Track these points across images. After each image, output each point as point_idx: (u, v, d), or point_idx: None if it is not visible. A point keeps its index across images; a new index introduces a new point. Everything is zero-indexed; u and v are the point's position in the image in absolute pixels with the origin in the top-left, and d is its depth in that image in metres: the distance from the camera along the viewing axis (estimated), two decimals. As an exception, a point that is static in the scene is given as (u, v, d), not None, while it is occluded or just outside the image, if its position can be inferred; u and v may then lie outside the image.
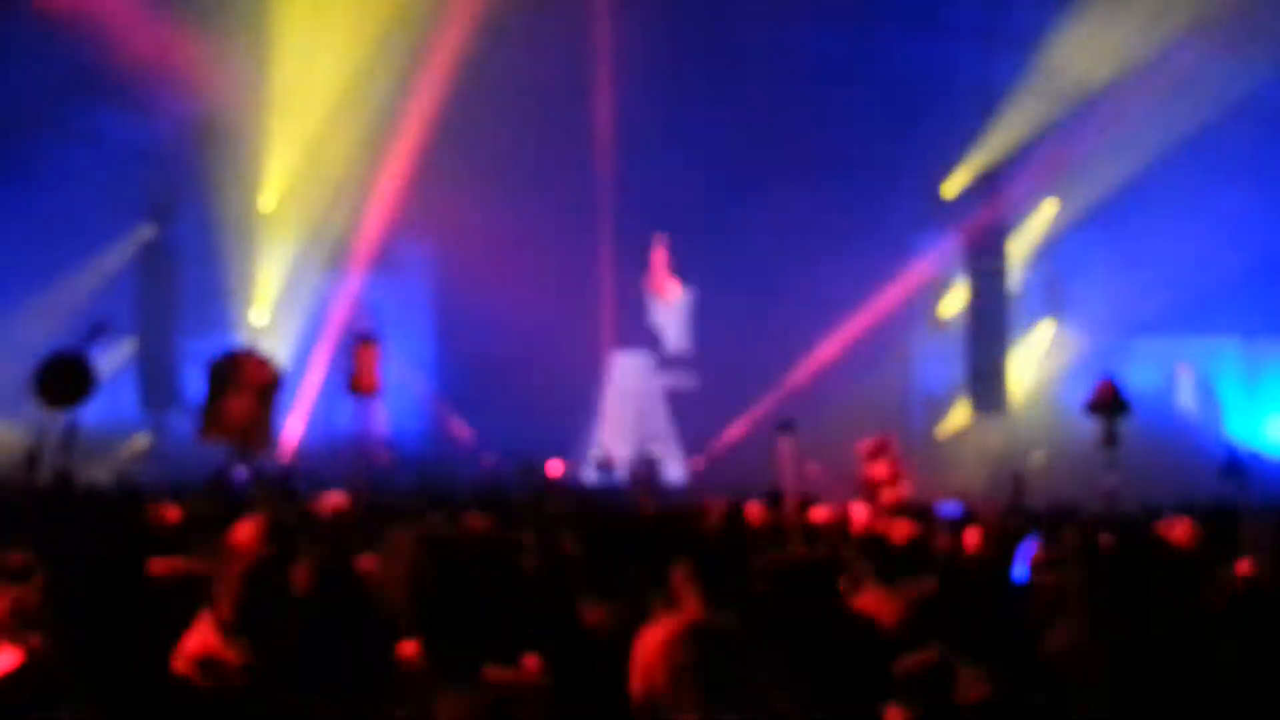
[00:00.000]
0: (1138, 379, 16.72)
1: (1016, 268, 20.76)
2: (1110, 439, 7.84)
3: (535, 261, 20.04)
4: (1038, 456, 18.18)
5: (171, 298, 21.34)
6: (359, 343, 10.40)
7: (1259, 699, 2.92)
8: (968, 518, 9.01)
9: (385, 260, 22.19)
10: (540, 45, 18.29)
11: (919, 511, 8.93)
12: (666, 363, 22.78)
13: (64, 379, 7.33)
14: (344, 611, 3.74)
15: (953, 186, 20.48)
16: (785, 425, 17.77)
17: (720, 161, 20.03)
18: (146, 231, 21.22)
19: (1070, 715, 3.13)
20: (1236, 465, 9.14)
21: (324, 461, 15.40)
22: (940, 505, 10.01)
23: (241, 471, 11.34)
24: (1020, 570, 4.88)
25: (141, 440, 20.20)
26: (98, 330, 7.38)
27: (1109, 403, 8.54)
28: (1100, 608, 3.50)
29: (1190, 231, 17.78)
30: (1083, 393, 19.65)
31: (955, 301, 21.14)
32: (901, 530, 5.53)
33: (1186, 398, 19.98)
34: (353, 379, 10.08)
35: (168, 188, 20.93)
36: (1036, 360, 20.75)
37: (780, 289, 20.55)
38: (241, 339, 19.72)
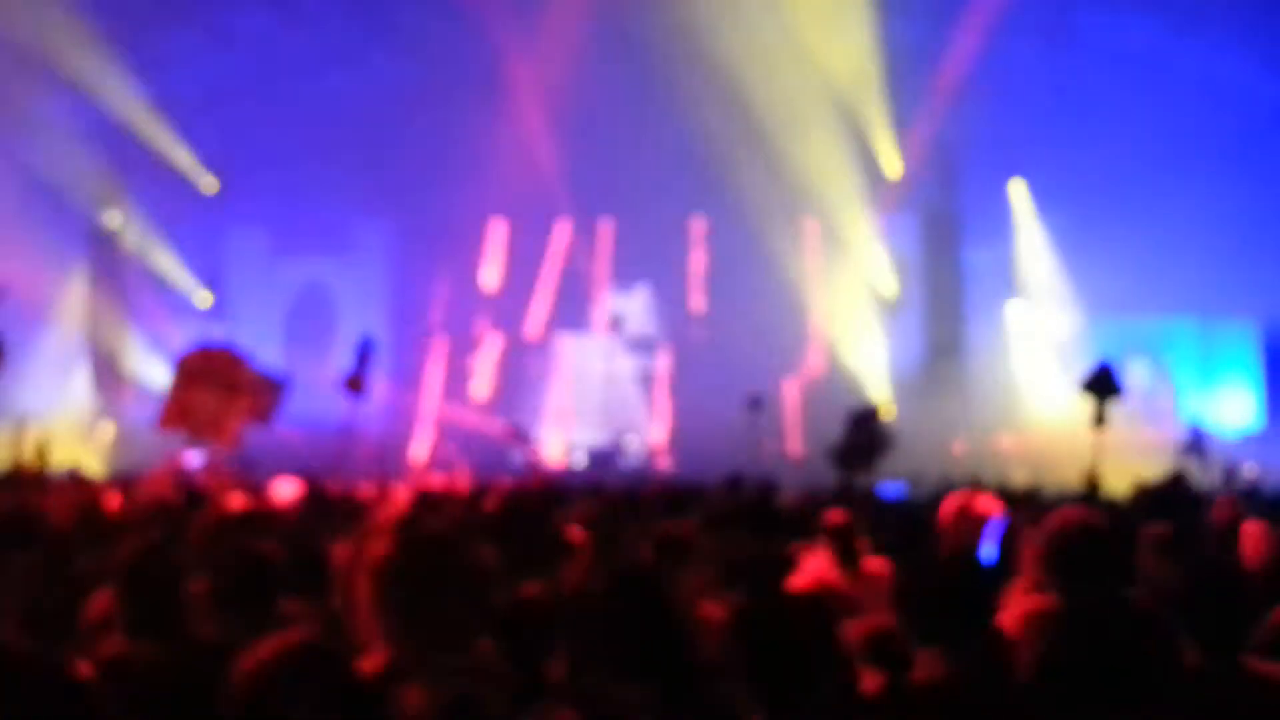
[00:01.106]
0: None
1: (974, 248, 20.82)
2: (1100, 420, 7.79)
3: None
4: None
5: (122, 283, 21.01)
6: (365, 346, 10.18)
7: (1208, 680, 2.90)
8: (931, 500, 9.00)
9: (339, 240, 22.17)
10: (497, 29, 18.24)
11: (862, 495, 8.86)
12: (633, 345, 22.70)
13: None
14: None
15: (900, 166, 20.48)
16: (755, 402, 17.78)
17: (670, 143, 19.81)
18: (96, 217, 20.83)
19: (1018, 693, 3.11)
20: (1200, 443, 9.07)
21: (284, 450, 15.25)
22: (882, 486, 9.96)
23: (194, 457, 11.20)
24: (989, 551, 4.84)
25: (106, 429, 19.94)
26: None
27: (1103, 384, 8.49)
28: (1053, 585, 3.49)
29: (1149, 213, 17.89)
30: (1043, 373, 19.95)
31: (913, 281, 21.12)
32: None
33: (1138, 381, 20.10)
34: (353, 379, 9.82)
35: (117, 173, 20.58)
36: (998, 340, 20.82)
37: (736, 270, 20.61)
38: (194, 324, 19.58)
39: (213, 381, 9.10)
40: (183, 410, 9.11)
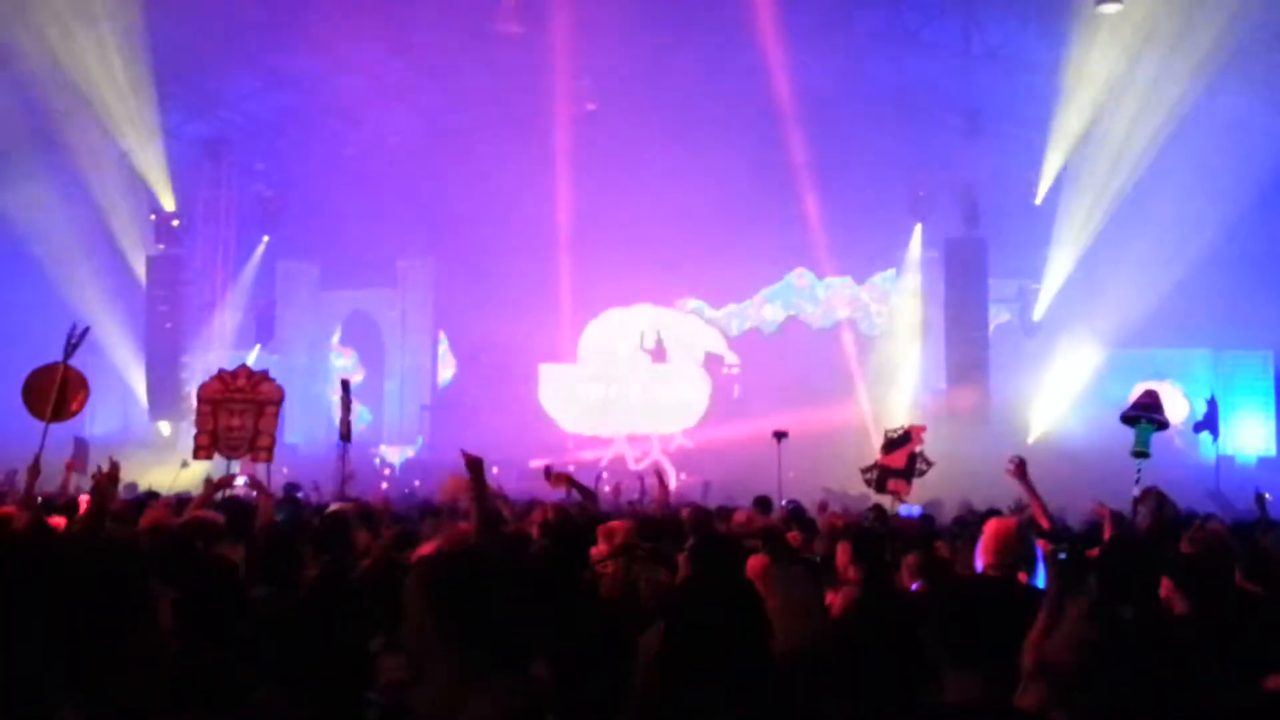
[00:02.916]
0: (1113, 392, 16.95)
1: (995, 281, 21.00)
2: (1141, 453, 7.86)
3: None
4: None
5: (179, 312, 21.44)
6: (344, 392, 10.31)
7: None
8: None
9: (386, 275, 22.83)
10: (523, 69, 18.71)
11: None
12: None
13: (52, 390, 7.27)
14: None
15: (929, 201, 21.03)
16: (780, 434, 18.38)
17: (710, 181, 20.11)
18: (155, 248, 21.35)
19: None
20: (1155, 406, 8.45)
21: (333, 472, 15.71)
22: (901, 508, 10.32)
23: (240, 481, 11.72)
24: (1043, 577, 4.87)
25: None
26: (77, 338, 7.24)
27: (1148, 416, 8.48)
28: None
29: (1166, 245, 18.03)
30: (1061, 403, 20.13)
31: (936, 314, 21.35)
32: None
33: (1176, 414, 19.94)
34: (344, 428, 10.07)
35: (177, 205, 21.21)
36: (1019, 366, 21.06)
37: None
38: (244, 354, 20.11)
39: (238, 404, 9.69)
40: (212, 439, 9.72)
